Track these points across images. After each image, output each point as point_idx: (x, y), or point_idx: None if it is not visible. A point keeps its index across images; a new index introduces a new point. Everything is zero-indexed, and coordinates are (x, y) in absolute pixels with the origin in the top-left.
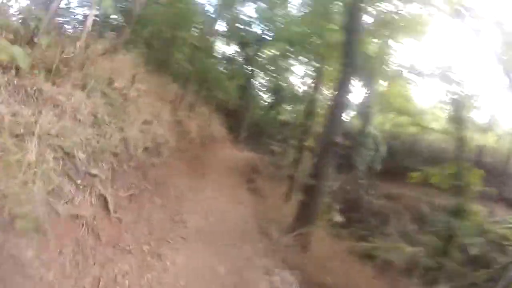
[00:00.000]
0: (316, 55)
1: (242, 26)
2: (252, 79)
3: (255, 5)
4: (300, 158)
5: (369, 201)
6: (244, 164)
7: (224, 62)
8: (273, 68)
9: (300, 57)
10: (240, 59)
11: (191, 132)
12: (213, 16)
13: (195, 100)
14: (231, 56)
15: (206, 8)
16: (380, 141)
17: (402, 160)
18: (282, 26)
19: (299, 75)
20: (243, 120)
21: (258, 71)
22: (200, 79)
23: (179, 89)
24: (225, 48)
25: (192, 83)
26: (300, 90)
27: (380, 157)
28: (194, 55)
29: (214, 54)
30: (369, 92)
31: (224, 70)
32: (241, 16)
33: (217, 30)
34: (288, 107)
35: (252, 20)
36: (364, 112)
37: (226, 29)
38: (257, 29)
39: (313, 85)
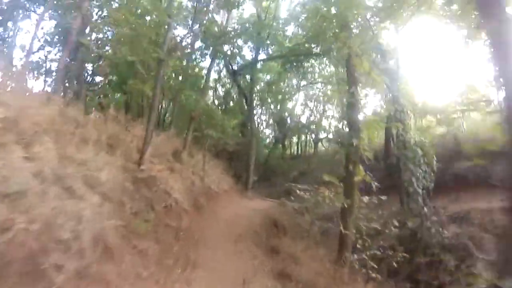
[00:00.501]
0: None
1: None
2: (251, 113)
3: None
4: (351, 200)
5: (436, 233)
6: (259, 220)
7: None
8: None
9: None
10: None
11: (174, 191)
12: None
13: (183, 145)
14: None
15: None
16: (428, 151)
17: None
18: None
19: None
20: (248, 162)
21: (257, 102)
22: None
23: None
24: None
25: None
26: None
27: (432, 172)
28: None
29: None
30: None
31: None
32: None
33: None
34: (295, 139)
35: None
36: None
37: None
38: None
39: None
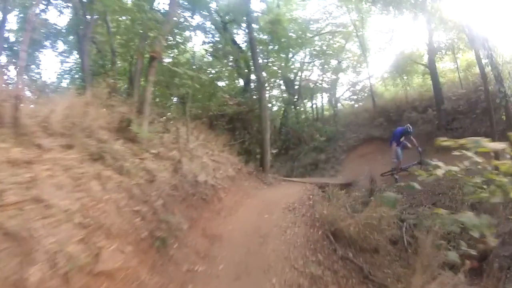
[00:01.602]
0: None
1: None
2: (255, 62)
3: None
4: None
5: None
6: (301, 233)
7: None
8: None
9: None
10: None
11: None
12: None
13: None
14: None
15: None
16: None
17: None
18: None
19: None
20: (261, 130)
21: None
22: None
23: None
24: None
25: None
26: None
27: None
28: None
29: None
30: None
31: None
32: None
33: None
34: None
35: None
36: None
37: None
38: None
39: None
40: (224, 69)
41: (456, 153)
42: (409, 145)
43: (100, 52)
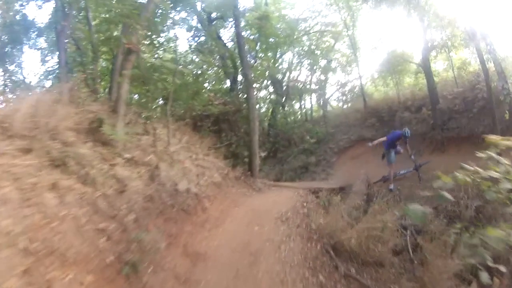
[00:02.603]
0: None
1: None
2: (243, 60)
3: None
4: None
5: None
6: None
7: None
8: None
9: None
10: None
11: None
12: None
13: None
14: None
15: None
16: None
17: None
18: None
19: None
20: (249, 131)
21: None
22: None
23: None
24: None
25: None
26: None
27: None
28: None
29: None
30: None
31: None
32: None
33: None
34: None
35: None
36: None
37: None
38: None
39: None
40: (209, 68)
41: (480, 154)
42: (401, 150)
43: (79, 49)
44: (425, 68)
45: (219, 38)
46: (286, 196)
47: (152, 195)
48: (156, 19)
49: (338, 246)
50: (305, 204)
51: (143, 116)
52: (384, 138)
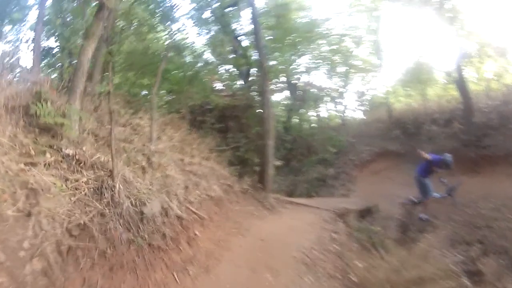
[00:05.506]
0: None
1: None
2: (260, 51)
3: None
4: None
5: None
6: None
7: None
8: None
9: None
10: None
11: None
12: None
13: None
14: None
15: None
16: None
17: None
18: None
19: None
20: (263, 134)
21: None
22: None
23: None
24: None
25: None
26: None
27: None
28: None
29: None
30: None
31: None
32: None
33: None
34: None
35: None
36: None
37: None
38: None
39: None
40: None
41: None
42: (446, 181)
43: None
44: (459, 77)
45: (232, 31)
46: (307, 220)
47: (88, 224)
48: None
49: None
50: (334, 235)
51: (128, 106)
52: (428, 156)
